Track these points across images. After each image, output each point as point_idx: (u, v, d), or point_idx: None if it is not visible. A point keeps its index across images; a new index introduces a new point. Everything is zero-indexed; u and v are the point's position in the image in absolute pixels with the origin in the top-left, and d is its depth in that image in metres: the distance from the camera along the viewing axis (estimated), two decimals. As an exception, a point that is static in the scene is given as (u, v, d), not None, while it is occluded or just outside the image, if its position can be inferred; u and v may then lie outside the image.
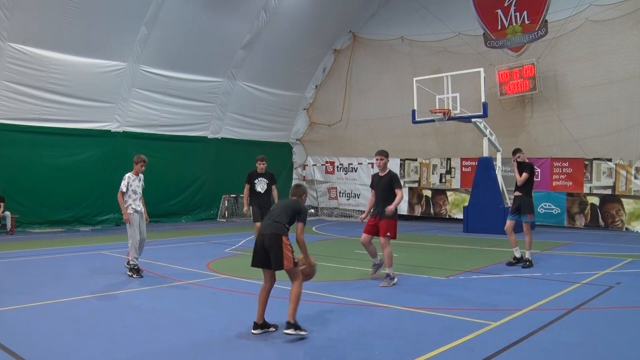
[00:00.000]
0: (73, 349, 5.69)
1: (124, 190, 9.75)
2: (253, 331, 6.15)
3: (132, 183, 9.84)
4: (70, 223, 18.89)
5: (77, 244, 15.03)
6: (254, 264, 6.23)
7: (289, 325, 5.95)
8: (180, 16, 19.29)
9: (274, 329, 6.23)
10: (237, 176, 23.37)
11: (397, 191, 9.36)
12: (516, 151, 11.58)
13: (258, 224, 12.10)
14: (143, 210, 9.97)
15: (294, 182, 26.44)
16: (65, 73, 17.91)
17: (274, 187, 12.23)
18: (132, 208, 9.73)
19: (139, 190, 9.94)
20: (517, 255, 11.10)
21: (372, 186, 9.91)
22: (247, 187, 12.28)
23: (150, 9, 18.36)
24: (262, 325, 6.19)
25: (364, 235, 9.56)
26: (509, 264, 11.06)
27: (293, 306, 6.02)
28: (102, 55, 18.50)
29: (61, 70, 17.78)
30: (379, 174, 9.72)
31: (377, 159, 9.64)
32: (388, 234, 9.23)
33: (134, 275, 9.62)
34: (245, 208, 12.46)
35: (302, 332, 5.95)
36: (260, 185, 12.05)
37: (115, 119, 19.79)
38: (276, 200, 12.16)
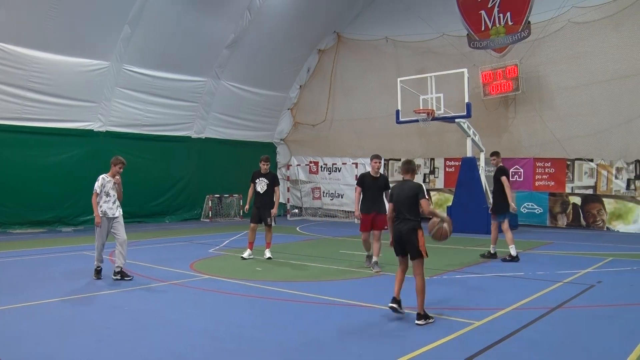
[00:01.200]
0: (56, 350, 5.65)
1: (98, 191, 9.42)
2: (391, 304, 6.87)
3: (105, 184, 9.49)
4: (52, 223, 18.69)
5: (60, 244, 14.89)
6: (397, 253, 7.04)
7: (419, 316, 6.57)
8: (164, 15, 19.17)
9: (402, 314, 6.85)
10: (221, 176, 23.41)
11: (388, 192, 10.21)
12: (493, 154, 12.54)
13: (253, 225, 12.03)
14: (118, 214, 9.58)
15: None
16: (48, 72, 17.71)
17: (276, 188, 12.06)
18: (102, 211, 9.39)
19: (113, 193, 9.55)
20: (492, 251, 12.11)
21: (361, 184, 10.74)
22: (252, 186, 12.09)
23: (133, 8, 18.21)
24: (399, 302, 6.85)
25: (367, 234, 10.55)
26: (504, 260, 11.75)
27: (421, 298, 6.63)
28: (84, 54, 18.32)
29: (43, 69, 17.58)
30: (372, 174, 10.67)
31: (375, 162, 10.64)
32: (385, 227, 9.80)
33: (94, 277, 9.45)
34: (246, 207, 12.25)
35: (431, 320, 6.57)
36: (260, 186, 11.90)
37: (98, 119, 19.62)
38: (276, 204, 12.08)
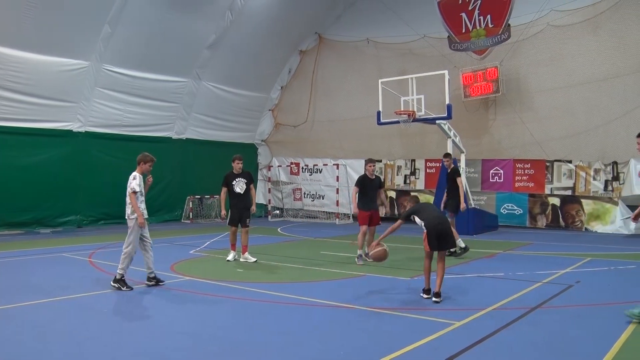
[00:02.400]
0: (35, 353, 5.57)
1: (137, 190, 8.85)
2: (428, 296, 7.99)
3: (141, 183, 8.98)
4: (30, 225, 18.42)
5: (37, 246, 14.71)
6: (435, 247, 7.98)
7: (438, 295, 7.83)
8: (145, 15, 19.02)
9: (428, 296, 8.00)
10: (202, 177, 23.28)
11: (382, 191, 12.08)
12: (445, 155, 13.62)
13: (235, 228, 11.83)
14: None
15: (259, 182, 26.31)
16: (25, 71, 17.48)
17: (251, 186, 11.97)
18: (141, 211, 8.88)
19: (144, 192, 9.14)
20: (462, 245, 12.60)
21: (361, 186, 11.68)
22: (224, 190, 11.81)
23: (113, 8, 18.04)
24: (430, 291, 8.00)
25: (366, 227, 11.53)
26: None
27: (441, 280, 7.94)
28: (63, 53, 18.12)
29: (21, 68, 17.35)
30: (369, 176, 11.74)
31: (370, 166, 11.83)
32: (379, 223, 11.81)
33: (123, 288, 8.64)
34: (223, 212, 11.93)
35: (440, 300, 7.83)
36: (239, 186, 11.72)
37: (77, 119, 19.42)
38: (254, 201, 12.03)
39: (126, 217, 9.06)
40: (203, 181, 23.28)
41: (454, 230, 12.32)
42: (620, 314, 6.76)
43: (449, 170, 13.22)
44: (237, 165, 11.88)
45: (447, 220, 8.23)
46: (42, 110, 18.41)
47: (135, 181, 8.86)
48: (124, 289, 8.68)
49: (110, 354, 5.56)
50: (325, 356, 5.51)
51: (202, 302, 8.07)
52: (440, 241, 7.97)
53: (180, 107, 22.57)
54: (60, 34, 17.61)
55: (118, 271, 8.78)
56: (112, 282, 8.83)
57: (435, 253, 8.04)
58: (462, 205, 12.64)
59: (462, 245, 12.43)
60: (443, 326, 6.44)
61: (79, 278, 9.77)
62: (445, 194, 13.15)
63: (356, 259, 11.53)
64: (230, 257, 11.88)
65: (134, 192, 8.84)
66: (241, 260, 11.78)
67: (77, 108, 19.30)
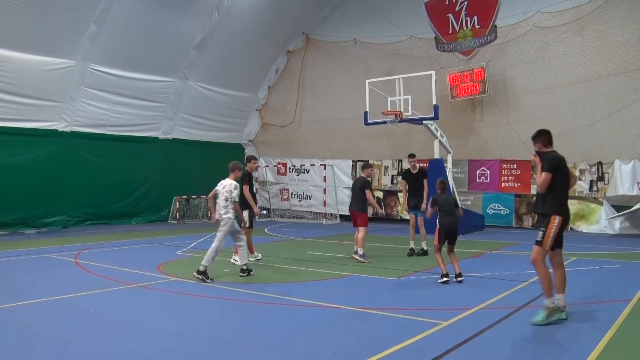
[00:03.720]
0: (20, 355, 5.52)
1: (237, 199, 9.59)
2: (450, 278, 9.25)
3: None
4: (14, 225, 18.25)
5: (22, 247, 14.58)
6: (443, 242, 9.39)
7: (459, 275, 9.29)
8: (131, 14, 18.91)
9: (447, 279, 9.22)
10: (189, 177, 23.21)
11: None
12: (411, 156, 13.72)
13: (251, 230, 11.74)
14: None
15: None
16: (10, 70, 17.33)
17: None
18: None
19: None
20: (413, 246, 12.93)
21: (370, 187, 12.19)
22: (247, 187, 11.35)
23: (100, 6, 17.93)
24: (447, 275, 9.27)
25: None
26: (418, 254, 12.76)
27: (458, 264, 9.38)
28: (48, 52, 17.98)
29: (5, 67, 17.18)
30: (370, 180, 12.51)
31: (370, 171, 12.63)
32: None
33: (207, 280, 9.29)
34: (256, 209, 11.56)
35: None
36: (255, 187, 11.74)
37: (62, 119, 19.27)
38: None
39: (218, 217, 9.57)
40: (190, 181, 23.22)
41: (422, 230, 12.83)
42: (605, 313, 6.83)
43: (414, 172, 13.22)
44: (254, 165, 11.96)
45: (456, 220, 9.38)
46: (27, 110, 18.25)
47: (237, 191, 9.54)
48: (208, 281, 9.28)
49: (95, 355, 5.53)
50: (312, 356, 5.51)
51: (188, 302, 8.05)
52: (447, 238, 9.30)
53: (167, 107, 22.48)
54: (46, 32, 17.46)
55: (203, 263, 9.37)
56: (194, 274, 9.38)
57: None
58: (423, 206, 12.62)
59: (425, 248, 12.69)
60: (430, 326, 6.45)
61: (65, 279, 9.70)
62: (407, 195, 13.16)
63: (363, 258, 11.66)
64: (259, 256, 11.98)
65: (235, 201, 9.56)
66: (232, 261, 11.68)
67: (62, 107, 19.16)
